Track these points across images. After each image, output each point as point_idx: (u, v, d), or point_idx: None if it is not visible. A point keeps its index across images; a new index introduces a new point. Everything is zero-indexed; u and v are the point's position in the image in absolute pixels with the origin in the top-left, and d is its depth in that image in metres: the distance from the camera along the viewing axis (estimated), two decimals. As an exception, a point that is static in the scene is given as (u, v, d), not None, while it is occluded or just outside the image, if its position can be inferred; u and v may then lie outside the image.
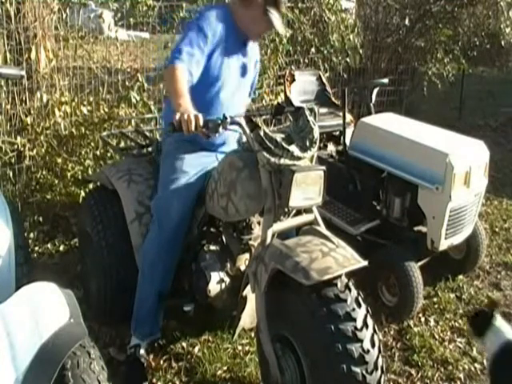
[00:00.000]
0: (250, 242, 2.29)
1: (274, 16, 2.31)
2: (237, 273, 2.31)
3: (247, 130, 2.01)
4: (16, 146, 3.45)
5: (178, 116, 1.88)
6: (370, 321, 1.84)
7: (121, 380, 2.27)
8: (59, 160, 3.62)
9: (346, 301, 1.82)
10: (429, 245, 2.94)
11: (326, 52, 5.31)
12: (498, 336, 2.12)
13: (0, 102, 3.40)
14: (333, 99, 4.15)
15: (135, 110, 3.90)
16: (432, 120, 3.60)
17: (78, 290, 2.84)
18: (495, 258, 3.69)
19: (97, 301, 2.71)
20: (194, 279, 2.38)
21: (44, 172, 3.64)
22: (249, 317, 2.22)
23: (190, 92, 2.09)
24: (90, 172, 3.68)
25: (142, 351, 2.41)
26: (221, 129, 1.94)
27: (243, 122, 2.04)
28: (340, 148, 3.73)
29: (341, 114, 3.51)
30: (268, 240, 1.97)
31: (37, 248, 3.51)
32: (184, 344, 2.66)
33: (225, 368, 2.51)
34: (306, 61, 5.27)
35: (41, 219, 3.61)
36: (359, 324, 1.79)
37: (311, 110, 2.16)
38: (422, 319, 2.97)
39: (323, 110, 3.83)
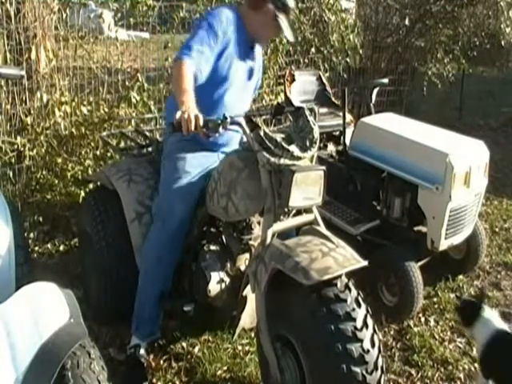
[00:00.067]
0: (250, 242, 2.29)
1: (283, 22, 2.32)
2: (237, 273, 2.31)
3: (247, 130, 2.01)
4: (16, 146, 3.45)
5: (178, 115, 1.88)
6: (370, 321, 1.84)
7: (121, 380, 2.27)
8: (59, 160, 3.62)
9: (346, 301, 1.82)
10: (429, 245, 2.94)
11: (326, 52, 5.32)
12: (486, 326, 2.17)
13: (0, 102, 3.40)
14: (333, 99, 4.15)
15: (135, 110, 3.90)
16: (432, 120, 3.60)
17: (78, 289, 2.84)
18: (495, 258, 3.69)
19: (97, 301, 2.71)
20: (194, 279, 2.39)
21: (44, 172, 3.64)
22: (249, 317, 2.22)
23: (196, 90, 2.09)
24: (90, 172, 3.68)
25: (141, 351, 2.42)
26: (221, 129, 1.94)
27: (243, 122, 2.04)
28: (340, 148, 3.73)
29: (341, 114, 3.51)
30: (268, 240, 1.97)
31: (37, 248, 3.51)
32: (184, 344, 2.66)
33: (225, 368, 2.51)
34: (306, 61, 5.28)
35: (41, 219, 3.61)
36: (359, 324, 1.79)
37: (311, 109, 2.16)
38: (422, 319, 2.97)
39: (323, 110, 3.83)
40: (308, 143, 2.02)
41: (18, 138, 3.45)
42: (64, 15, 3.64)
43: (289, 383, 1.96)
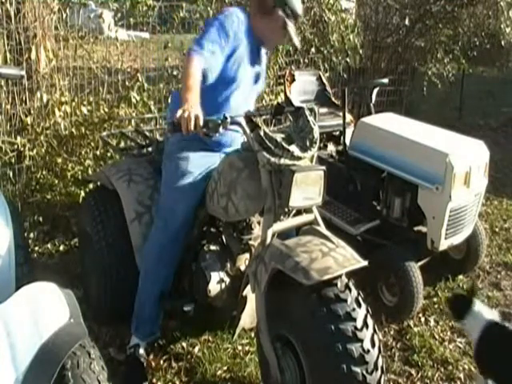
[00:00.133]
0: (250, 242, 2.29)
1: (292, 29, 2.33)
2: (237, 273, 2.31)
3: (247, 130, 2.01)
4: (16, 146, 3.45)
5: (179, 113, 1.88)
6: (370, 321, 1.84)
7: (121, 380, 2.27)
8: (59, 160, 3.62)
9: (346, 301, 1.82)
10: (429, 245, 2.94)
11: (325, 52, 5.32)
12: (478, 319, 2.18)
13: (0, 102, 3.40)
14: (333, 99, 4.15)
15: (135, 110, 3.90)
16: (432, 120, 3.60)
17: (78, 289, 2.84)
18: (495, 258, 3.69)
19: (97, 301, 2.71)
20: (194, 279, 2.39)
21: (44, 172, 3.64)
22: (249, 317, 2.22)
23: (203, 90, 2.09)
24: (90, 172, 3.68)
25: (141, 351, 2.42)
26: (221, 129, 1.94)
27: (243, 121, 2.04)
28: (340, 148, 3.73)
29: (341, 114, 3.51)
30: (268, 240, 1.97)
31: (37, 248, 3.51)
32: (184, 344, 2.66)
33: (225, 368, 2.51)
34: (306, 61, 5.27)
35: (41, 219, 3.61)
36: (359, 324, 1.79)
37: (311, 109, 2.16)
38: (422, 319, 2.97)
39: (323, 110, 3.83)
40: (308, 143, 2.02)
41: (18, 138, 3.45)
42: (64, 15, 3.64)
43: (289, 383, 1.96)
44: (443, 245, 2.93)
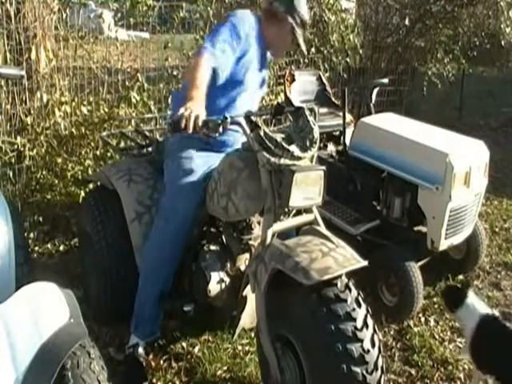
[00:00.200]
0: (250, 242, 2.29)
1: (300, 36, 2.37)
2: (237, 273, 2.31)
3: (247, 130, 2.01)
4: (16, 146, 3.45)
5: (181, 111, 1.88)
6: (370, 321, 1.84)
7: (120, 380, 2.27)
8: (59, 160, 3.62)
9: (346, 301, 1.82)
10: (429, 245, 2.94)
11: (325, 52, 5.32)
12: (472, 312, 2.22)
13: (0, 102, 3.40)
14: (333, 99, 4.15)
15: (135, 110, 3.90)
16: (432, 120, 3.60)
17: (78, 289, 2.84)
18: (495, 258, 3.69)
19: (97, 301, 2.71)
20: (194, 279, 2.39)
21: (44, 172, 3.64)
22: (249, 317, 2.22)
23: (210, 90, 2.10)
24: (90, 172, 3.68)
25: (140, 350, 2.41)
26: (221, 129, 1.94)
27: (243, 121, 2.04)
28: (340, 148, 3.73)
29: (341, 114, 3.51)
30: (268, 240, 1.97)
31: (37, 248, 3.51)
32: (184, 344, 2.66)
33: (225, 368, 2.51)
34: (306, 61, 5.27)
35: (41, 219, 3.61)
36: (359, 324, 1.79)
37: (311, 109, 2.16)
38: (422, 319, 2.97)
39: (323, 110, 3.83)
40: (308, 143, 2.02)
41: (18, 138, 3.45)
42: (64, 15, 3.64)
43: (289, 383, 1.96)
44: (443, 245, 2.93)
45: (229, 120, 1.94)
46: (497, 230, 4.15)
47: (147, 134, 3.00)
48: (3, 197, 1.96)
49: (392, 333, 2.85)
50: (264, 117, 2.65)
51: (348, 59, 5.48)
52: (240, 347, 2.65)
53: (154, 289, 2.36)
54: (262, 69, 2.46)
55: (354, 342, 1.76)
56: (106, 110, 3.77)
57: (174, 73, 4.25)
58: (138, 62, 4.15)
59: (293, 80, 3.96)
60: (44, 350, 1.29)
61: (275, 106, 2.38)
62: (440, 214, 2.86)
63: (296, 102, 3.66)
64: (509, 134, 6.94)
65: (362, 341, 1.77)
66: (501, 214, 4.44)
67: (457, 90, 7.15)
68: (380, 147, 3.15)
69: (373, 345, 1.80)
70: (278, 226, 2.02)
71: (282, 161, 1.95)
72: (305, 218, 2.12)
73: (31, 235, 3.53)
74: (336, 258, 1.85)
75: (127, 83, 3.92)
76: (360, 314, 1.82)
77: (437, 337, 2.82)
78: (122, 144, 3.55)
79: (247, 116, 2.04)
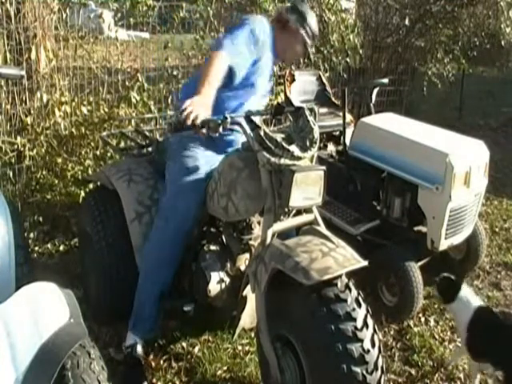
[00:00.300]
0: (250, 242, 2.29)
1: (310, 47, 2.46)
2: (237, 273, 2.31)
3: (247, 130, 2.01)
4: (16, 146, 3.45)
5: (186, 103, 1.88)
6: (370, 321, 1.84)
7: (120, 380, 2.26)
8: (59, 160, 3.62)
9: (346, 301, 1.82)
10: (429, 245, 2.94)
11: (326, 52, 5.31)
12: (465, 306, 2.28)
13: (0, 102, 3.40)
14: (333, 99, 4.15)
15: (135, 110, 3.90)
16: (432, 120, 3.60)
17: (78, 289, 2.84)
18: (495, 258, 3.69)
19: (97, 301, 2.71)
20: (194, 279, 2.39)
21: (44, 172, 3.64)
22: (249, 317, 2.22)
23: (222, 91, 2.13)
24: (90, 172, 3.68)
25: (139, 349, 2.39)
26: (221, 129, 1.94)
27: (243, 121, 2.04)
28: (340, 148, 3.73)
29: (341, 114, 3.51)
30: (268, 240, 1.97)
31: (37, 248, 3.51)
32: (184, 344, 2.66)
33: (225, 368, 2.51)
34: (306, 61, 5.27)
35: (41, 219, 3.61)
36: (359, 324, 1.79)
37: (311, 109, 2.16)
38: (422, 319, 2.97)
39: (323, 110, 3.83)
40: (308, 143, 2.02)
41: (18, 138, 3.45)
42: (64, 15, 3.64)
43: (289, 383, 1.96)
44: (443, 245, 2.93)
45: (229, 120, 1.95)
46: (497, 230, 4.15)
47: (147, 134, 3.00)
48: (3, 197, 1.96)
49: (392, 333, 2.85)
50: (264, 117, 2.66)
51: (348, 59, 5.48)
52: (240, 347, 2.65)
53: (154, 289, 2.36)
54: (271, 74, 2.53)
55: (354, 342, 1.76)
56: (106, 109, 3.77)
57: (174, 73, 4.25)
58: (138, 61, 4.15)
59: (293, 80, 3.96)
60: (44, 350, 1.29)
61: (275, 106, 2.38)
62: (440, 213, 2.86)
63: (296, 102, 3.66)
64: (509, 134, 6.95)
65: (362, 341, 1.77)
66: (501, 214, 4.44)
67: (457, 90, 7.15)
68: (380, 147, 3.15)
69: (373, 345, 1.80)
70: (278, 226, 2.02)
71: (282, 161, 1.95)
72: (305, 217, 2.12)
73: (31, 235, 3.53)
74: (336, 258, 1.85)
75: (127, 83, 3.92)
76: (360, 314, 1.82)
77: (437, 337, 2.82)
78: (122, 144, 3.55)
79: (247, 116, 2.04)
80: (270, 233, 1.98)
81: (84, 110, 3.69)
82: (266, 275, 1.91)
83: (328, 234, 2.02)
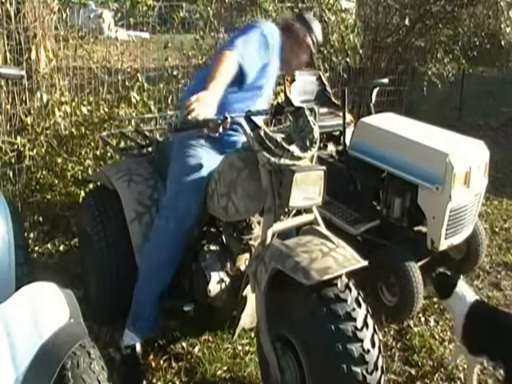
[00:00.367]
0: (250, 242, 2.29)
1: (315, 56, 2.50)
2: (237, 273, 2.31)
3: (247, 130, 2.01)
4: (16, 146, 3.45)
5: (193, 98, 1.89)
6: (370, 321, 1.84)
7: (119, 380, 2.27)
8: (59, 160, 3.62)
9: (346, 301, 1.82)
10: (429, 245, 2.94)
11: (326, 52, 5.31)
12: (461, 301, 2.33)
13: (0, 102, 3.40)
14: (333, 99, 4.15)
15: (135, 110, 3.90)
16: (432, 120, 3.60)
17: (78, 289, 2.84)
18: (495, 258, 3.69)
19: (97, 301, 2.71)
20: (194, 279, 2.39)
21: (44, 172, 3.65)
22: (249, 317, 2.22)
23: (232, 92, 2.16)
24: (90, 172, 3.68)
25: (138, 348, 2.38)
26: (221, 129, 1.94)
27: (243, 121, 2.04)
28: (340, 148, 3.73)
29: (341, 114, 3.51)
30: (268, 240, 1.97)
31: (37, 248, 3.51)
32: (184, 344, 2.66)
33: (225, 368, 2.51)
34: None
35: (41, 219, 3.61)
36: (359, 324, 1.79)
37: (311, 109, 2.16)
38: (422, 319, 2.97)
39: (323, 110, 3.83)
40: (308, 143, 2.02)
41: (18, 138, 3.45)
42: (64, 15, 3.64)
43: (289, 383, 1.96)
44: (443, 245, 2.93)
45: (229, 120, 1.94)
46: (497, 230, 4.15)
47: (147, 134, 3.00)
48: (3, 197, 1.96)
49: (392, 333, 2.85)
50: (264, 117, 2.66)
51: (348, 59, 5.48)
52: (240, 347, 2.65)
53: (154, 288, 2.36)
54: (276, 83, 2.56)
55: (354, 342, 1.76)
56: (106, 109, 3.77)
57: (174, 73, 4.25)
58: (138, 61, 4.15)
59: (293, 80, 3.96)
60: (44, 350, 1.29)
61: (275, 106, 2.38)
62: (440, 214, 2.85)
63: (296, 102, 3.66)
64: (509, 134, 6.95)
65: (362, 341, 1.77)
66: (501, 214, 4.44)
67: (457, 90, 7.15)
68: (380, 147, 3.15)
69: (373, 345, 1.80)
70: (278, 226, 2.02)
71: (282, 161, 1.95)
72: (305, 218, 2.12)
73: (31, 235, 3.53)
74: (336, 258, 1.85)
75: (127, 83, 3.92)
76: (360, 314, 1.82)
77: (437, 337, 2.82)
78: (122, 144, 3.56)
79: (247, 116, 2.04)
80: (269, 233, 1.98)
81: (84, 110, 3.69)
82: (266, 275, 1.91)
83: (328, 234, 2.02)
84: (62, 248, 3.56)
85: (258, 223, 2.26)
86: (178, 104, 4.01)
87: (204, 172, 2.30)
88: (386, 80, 3.73)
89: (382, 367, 1.82)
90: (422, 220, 3.06)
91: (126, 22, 3.95)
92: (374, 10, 6.27)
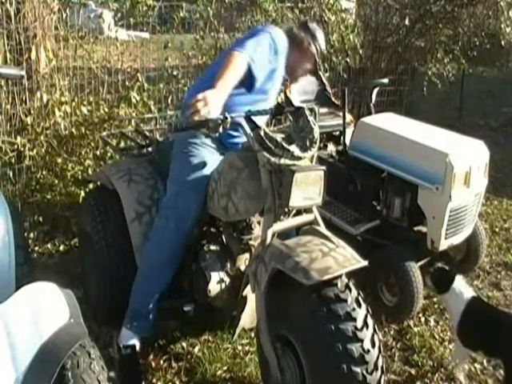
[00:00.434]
0: (250, 242, 2.29)
1: (319, 65, 2.53)
2: (237, 273, 2.31)
3: (247, 130, 2.01)
4: (16, 146, 3.45)
5: (199, 96, 1.88)
6: (370, 321, 1.84)
7: (118, 380, 2.26)
8: (59, 160, 3.62)
9: (346, 301, 1.82)
10: (429, 245, 2.94)
11: (326, 52, 5.31)
12: (458, 297, 2.36)
13: (0, 102, 3.40)
14: (333, 99, 4.14)
15: (135, 110, 3.90)
16: (432, 120, 3.60)
17: (78, 289, 2.84)
18: (495, 258, 3.69)
19: (97, 301, 2.70)
20: (194, 279, 2.38)
21: (44, 172, 3.64)
22: (249, 317, 2.22)
23: (239, 95, 2.18)
24: (90, 172, 3.68)
25: (137, 348, 2.37)
26: (221, 129, 1.94)
27: (243, 121, 2.04)
28: (340, 148, 3.73)
29: (341, 114, 3.51)
30: (268, 240, 1.97)
31: (37, 248, 3.51)
32: (184, 344, 2.66)
33: (225, 368, 2.51)
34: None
35: (41, 219, 3.61)
36: (359, 324, 1.79)
37: (311, 109, 2.16)
38: (422, 319, 2.97)
39: (323, 110, 3.83)
40: (308, 143, 2.02)
41: (18, 138, 3.45)
42: (64, 15, 3.64)
43: (289, 383, 1.96)
44: (443, 245, 2.93)
45: (229, 120, 1.94)
46: (497, 230, 4.15)
47: (147, 134, 3.00)
48: (3, 197, 1.96)
49: (392, 333, 2.85)
50: (266, 117, 2.66)
51: (348, 59, 5.48)
52: (240, 347, 2.65)
53: (154, 289, 2.36)
54: (280, 89, 2.59)
55: (354, 342, 1.76)
56: (106, 109, 3.77)
57: (174, 73, 4.25)
58: (137, 61, 4.15)
59: (293, 80, 3.96)
60: (44, 350, 1.29)
61: (275, 105, 2.38)
62: (440, 214, 2.85)
63: (296, 102, 3.66)
64: (509, 134, 6.94)
65: (362, 341, 1.77)
66: (501, 214, 4.44)
67: (457, 90, 7.15)
68: (380, 147, 3.15)
69: (373, 345, 1.80)
70: (278, 226, 2.02)
71: (282, 161, 1.95)
72: (305, 218, 2.12)
73: (31, 235, 3.53)
74: (336, 258, 1.85)
75: (127, 83, 3.92)
76: (360, 314, 1.82)
77: (437, 337, 2.82)
78: (122, 144, 3.55)
79: (247, 116, 2.04)
80: (269, 233, 1.98)
81: (84, 110, 3.69)
82: (266, 275, 1.91)
83: (328, 234, 2.02)
84: (62, 248, 3.56)
85: (258, 223, 2.26)
86: (178, 104, 4.02)
87: (205, 172, 2.30)
88: (385, 80, 3.73)
89: (382, 367, 1.82)
90: (422, 220, 3.06)
91: (126, 21, 3.95)
92: (374, 9, 6.26)
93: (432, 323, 2.94)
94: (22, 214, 3.48)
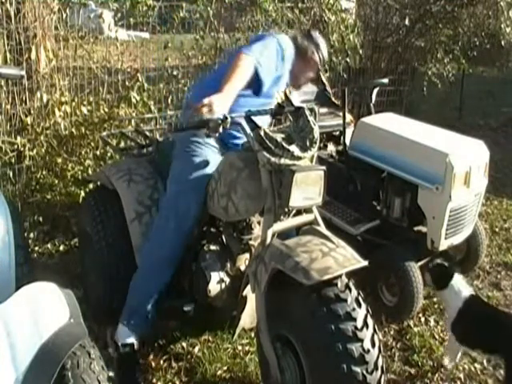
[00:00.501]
0: (250, 242, 2.29)
1: (322, 74, 2.44)
2: (237, 273, 2.31)
3: (247, 130, 2.01)
4: (16, 146, 3.45)
5: (205, 101, 1.90)
6: (370, 321, 1.84)
7: (117, 380, 2.26)
8: (59, 160, 3.62)
9: (346, 301, 1.82)
10: (429, 245, 2.94)
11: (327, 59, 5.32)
12: (456, 294, 2.38)
13: (0, 102, 3.40)
14: (333, 99, 4.14)
15: (135, 110, 3.90)
16: (432, 120, 3.60)
17: (78, 290, 2.84)
18: (495, 258, 3.69)
19: (97, 301, 2.70)
20: (194, 279, 2.38)
21: (44, 172, 3.64)
22: (249, 317, 2.22)
23: (246, 98, 2.19)
24: (90, 172, 3.68)
25: (136, 347, 2.37)
26: (221, 129, 1.94)
27: (243, 121, 2.04)
28: (340, 148, 3.73)
29: (341, 114, 3.51)
30: (268, 240, 1.97)
31: (37, 248, 3.51)
32: (184, 344, 2.66)
33: (225, 368, 2.51)
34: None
35: (41, 219, 3.61)
36: (359, 324, 1.79)
37: (311, 109, 2.16)
38: (422, 319, 2.97)
39: (323, 110, 3.83)
40: (308, 143, 2.02)
41: (18, 138, 3.45)
42: (64, 15, 3.64)
43: (289, 383, 1.96)
44: (443, 245, 2.93)
45: (229, 120, 1.94)
46: (497, 230, 4.15)
47: (147, 133, 3.00)
48: (3, 197, 1.96)
49: (392, 333, 2.85)
50: (267, 118, 2.66)
51: (348, 59, 5.47)
52: (240, 347, 2.65)
53: (153, 288, 2.36)
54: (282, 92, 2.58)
55: (354, 342, 1.76)
56: (106, 109, 3.77)
57: (174, 73, 4.25)
58: (137, 61, 4.15)
59: (293, 80, 3.96)
60: (44, 350, 1.29)
61: (275, 105, 2.38)
62: (440, 214, 2.85)
63: (296, 102, 3.65)
64: (509, 134, 6.94)
65: (362, 341, 1.77)
66: (501, 214, 4.44)
67: (457, 90, 7.15)
68: (380, 147, 3.15)
69: (373, 345, 1.80)
70: (278, 226, 2.02)
71: (282, 161, 1.95)
72: (305, 218, 2.12)
73: (31, 235, 3.53)
74: (336, 258, 1.85)
75: (127, 83, 3.92)
76: (360, 313, 1.82)
77: (437, 337, 2.82)
78: (122, 144, 3.55)
79: (247, 116, 2.04)
80: (269, 233, 1.98)
81: (84, 110, 3.69)
82: (266, 275, 1.91)
83: (328, 234, 2.02)
84: (62, 248, 3.56)
85: (258, 223, 2.26)
86: (178, 104, 4.02)
87: (207, 171, 2.30)
88: (386, 80, 3.73)
89: (382, 367, 1.82)
90: (422, 220, 3.06)
91: (126, 22, 3.95)
92: (374, 9, 6.26)
93: (432, 323, 2.94)
94: (22, 213, 3.48)
